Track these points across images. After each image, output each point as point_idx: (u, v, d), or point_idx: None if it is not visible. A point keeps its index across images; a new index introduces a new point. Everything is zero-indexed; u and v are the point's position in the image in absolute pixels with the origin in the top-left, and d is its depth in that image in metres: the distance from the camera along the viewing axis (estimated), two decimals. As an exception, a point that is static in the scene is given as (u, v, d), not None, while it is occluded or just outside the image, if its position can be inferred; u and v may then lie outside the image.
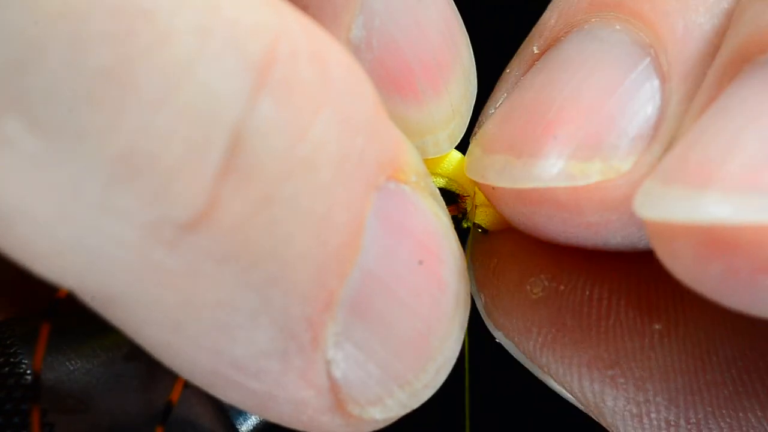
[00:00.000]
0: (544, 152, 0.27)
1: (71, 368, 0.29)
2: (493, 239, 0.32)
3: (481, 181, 0.29)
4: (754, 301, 0.22)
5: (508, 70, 0.31)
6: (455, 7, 0.30)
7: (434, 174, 0.31)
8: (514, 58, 0.31)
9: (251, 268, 0.22)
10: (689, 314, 0.28)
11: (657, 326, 0.28)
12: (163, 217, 0.21)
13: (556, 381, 0.29)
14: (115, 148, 0.20)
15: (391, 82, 0.28)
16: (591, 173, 0.26)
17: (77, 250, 0.21)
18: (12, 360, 0.28)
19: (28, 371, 0.28)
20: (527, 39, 0.31)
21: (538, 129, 0.27)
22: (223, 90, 0.21)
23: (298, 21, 0.22)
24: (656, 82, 0.27)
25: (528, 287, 0.29)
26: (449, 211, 0.28)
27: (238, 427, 0.32)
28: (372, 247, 0.24)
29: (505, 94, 0.30)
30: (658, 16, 0.27)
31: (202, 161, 0.21)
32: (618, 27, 0.28)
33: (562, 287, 0.29)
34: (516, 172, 0.27)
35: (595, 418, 0.29)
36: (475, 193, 0.32)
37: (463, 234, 0.31)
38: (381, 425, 0.26)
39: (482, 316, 0.31)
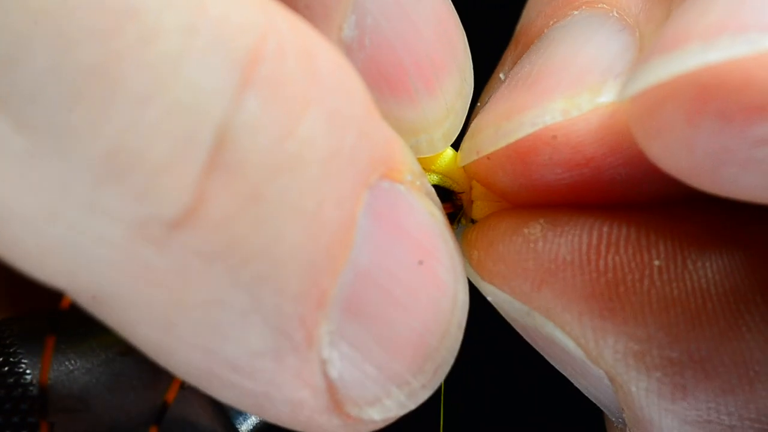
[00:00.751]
0: (531, 103, 0.28)
1: (71, 367, 0.29)
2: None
3: (475, 156, 0.29)
4: (748, 166, 0.22)
5: (479, 104, 0.32)
6: (451, 4, 0.29)
7: (427, 171, 0.31)
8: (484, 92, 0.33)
9: (240, 266, 0.22)
10: (688, 252, 0.28)
11: (657, 262, 0.28)
12: (150, 215, 0.21)
13: (554, 322, 0.28)
14: (102, 147, 0.20)
15: (384, 81, 0.28)
16: (582, 104, 0.27)
17: (66, 249, 0.21)
18: (11, 359, 0.28)
19: (28, 370, 0.28)
20: (497, 70, 0.33)
21: (520, 93, 0.28)
22: (209, 87, 0.21)
23: (285, 19, 0.22)
24: (626, 32, 0.29)
25: (525, 230, 0.29)
26: (444, 208, 0.27)
27: (238, 426, 0.32)
28: (365, 245, 0.24)
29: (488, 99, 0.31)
30: None
31: (188, 158, 0.21)
32: (576, 13, 0.30)
33: (560, 228, 0.29)
34: (510, 128, 0.28)
35: (594, 365, 0.28)
36: (471, 188, 0.32)
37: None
38: (380, 426, 0.26)
39: (472, 277, 0.30)
